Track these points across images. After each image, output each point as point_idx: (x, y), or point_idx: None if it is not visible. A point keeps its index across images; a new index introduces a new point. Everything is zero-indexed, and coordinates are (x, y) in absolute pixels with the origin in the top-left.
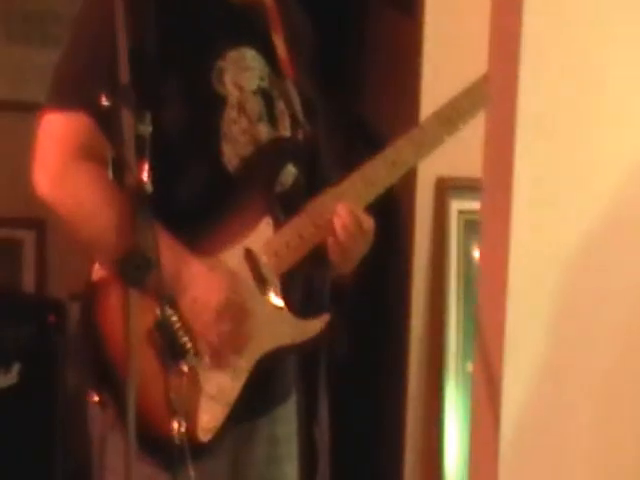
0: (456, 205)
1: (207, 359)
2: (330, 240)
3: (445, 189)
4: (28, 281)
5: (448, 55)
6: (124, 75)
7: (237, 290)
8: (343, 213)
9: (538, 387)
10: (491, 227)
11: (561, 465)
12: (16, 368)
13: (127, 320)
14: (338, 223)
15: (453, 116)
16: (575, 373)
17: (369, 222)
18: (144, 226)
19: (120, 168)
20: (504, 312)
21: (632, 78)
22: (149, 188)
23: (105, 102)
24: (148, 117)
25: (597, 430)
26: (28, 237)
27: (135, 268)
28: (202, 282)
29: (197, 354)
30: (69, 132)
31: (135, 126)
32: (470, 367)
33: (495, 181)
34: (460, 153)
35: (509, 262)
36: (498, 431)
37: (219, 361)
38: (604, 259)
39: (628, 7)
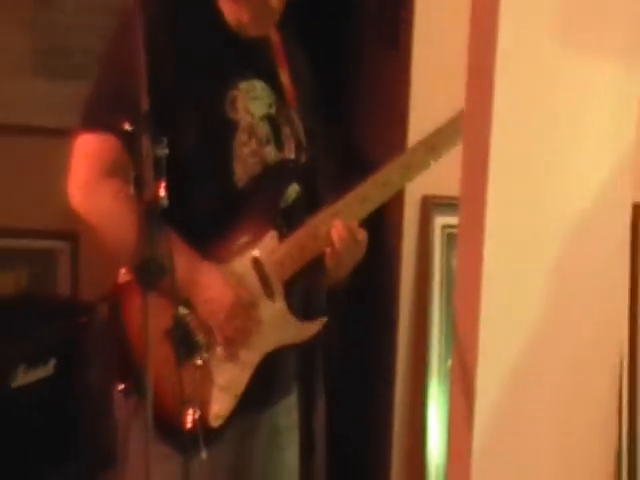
0: (440, 220)
1: (220, 351)
2: (328, 250)
3: (430, 206)
4: (63, 286)
5: (434, 88)
6: (144, 104)
7: (246, 291)
8: (340, 226)
9: (509, 386)
10: (467, 240)
11: (530, 462)
12: (52, 362)
13: (145, 319)
14: (335, 235)
15: (437, 143)
16: (544, 374)
17: (363, 234)
18: (159, 237)
19: (140, 184)
20: (478, 317)
21: (602, 111)
22: (165, 203)
23: (128, 127)
24: (165, 140)
25: (563, 427)
26: (63, 248)
27: (150, 274)
28: (216, 285)
29: (211, 348)
30: (99, 152)
31: (153, 148)
32: None
33: (471, 201)
34: (444, 174)
35: (483, 272)
36: (472, 424)
37: (233, 351)
38: (574, 271)
39: (600, 41)
